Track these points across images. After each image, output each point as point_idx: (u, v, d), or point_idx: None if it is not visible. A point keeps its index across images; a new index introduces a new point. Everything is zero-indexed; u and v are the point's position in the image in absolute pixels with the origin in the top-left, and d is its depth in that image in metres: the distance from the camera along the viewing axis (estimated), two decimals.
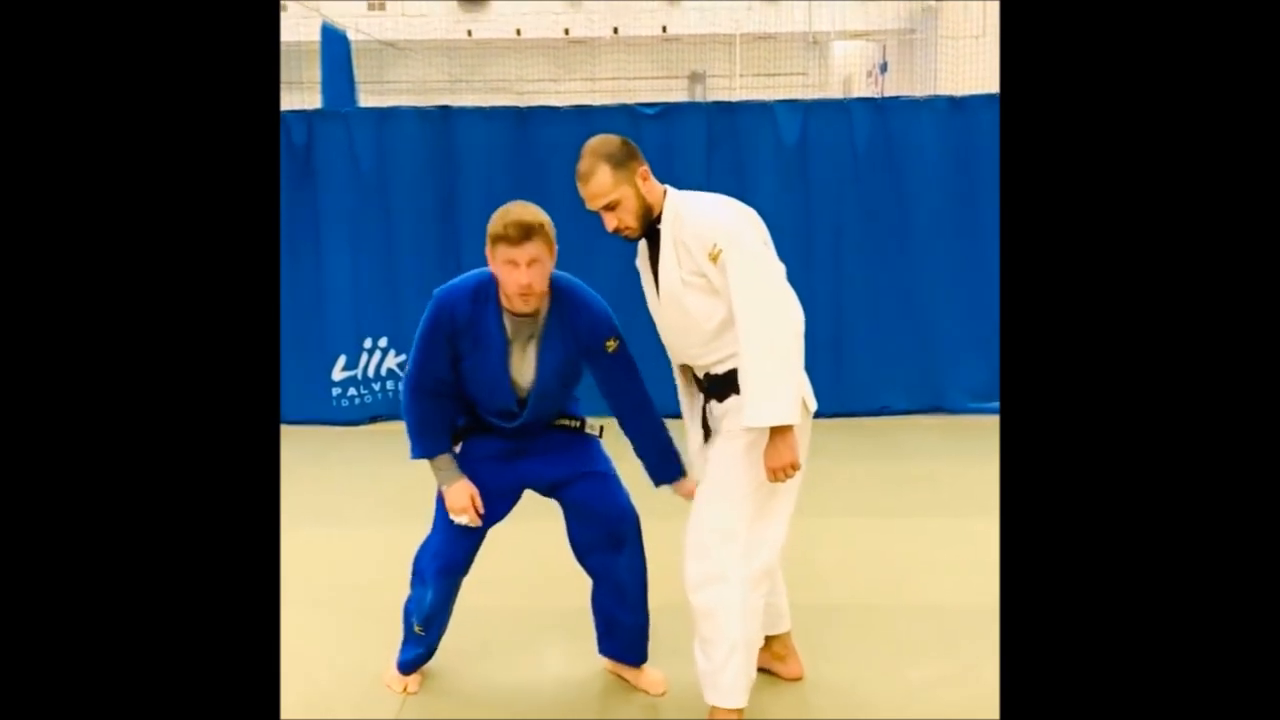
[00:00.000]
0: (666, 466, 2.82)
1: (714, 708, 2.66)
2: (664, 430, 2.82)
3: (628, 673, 3.00)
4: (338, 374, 6.02)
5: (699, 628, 2.63)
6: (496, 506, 2.81)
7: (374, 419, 6.08)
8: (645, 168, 2.56)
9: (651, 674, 2.96)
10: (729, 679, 2.59)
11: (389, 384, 6.08)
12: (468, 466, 2.78)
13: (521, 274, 2.52)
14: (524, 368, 2.69)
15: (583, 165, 2.54)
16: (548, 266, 2.58)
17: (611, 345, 2.71)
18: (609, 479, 2.84)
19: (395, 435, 5.73)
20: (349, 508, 4.68)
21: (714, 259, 2.46)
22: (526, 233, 2.50)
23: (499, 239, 2.52)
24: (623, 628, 2.94)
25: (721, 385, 2.61)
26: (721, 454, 2.60)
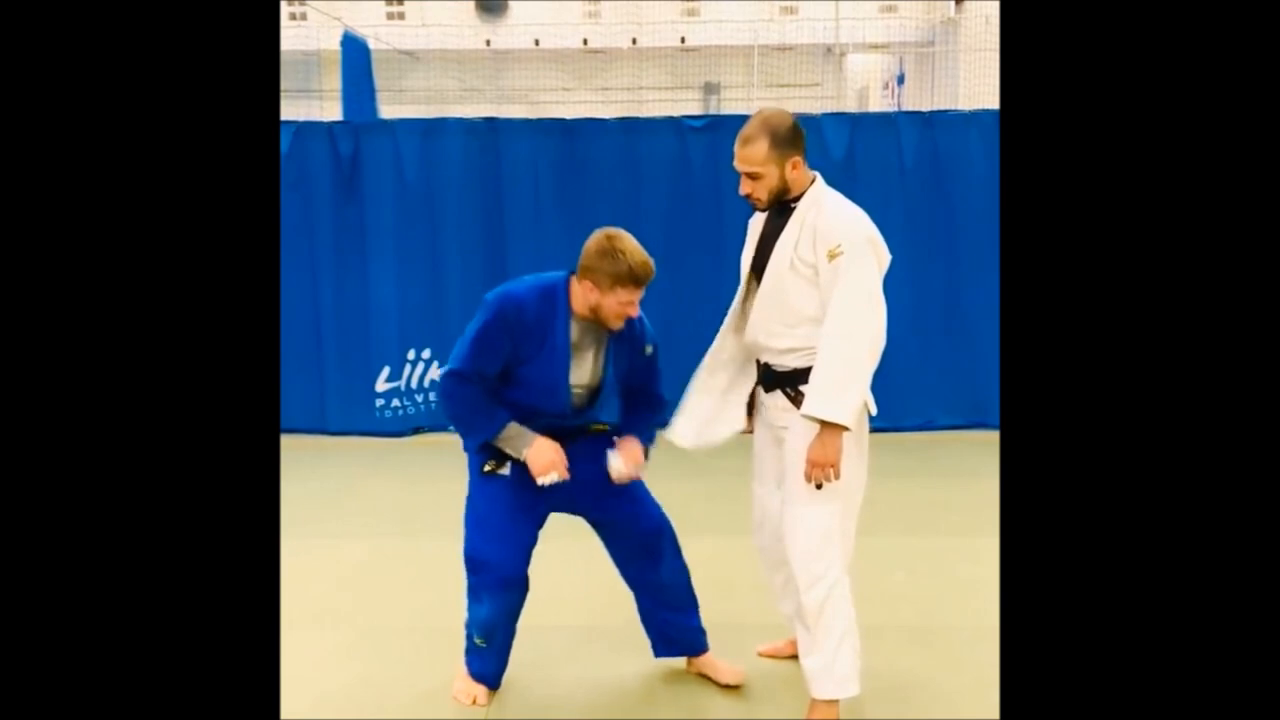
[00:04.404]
0: (635, 431, 2.89)
1: (814, 703, 2.76)
2: (656, 428, 2.96)
3: (705, 667, 3.07)
4: (381, 385, 5.99)
5: (807, 625, 2.72)
6: (539, 509, 2.83)
7: (417, 430, 6.06)
8: (799, 158, 2.67)
9: (729, 667, 3.06)
10: (842, 669, 2.70)
11: (432, 395, 6.06)
12: (513, 471, 2.81)
13: (632, 310, 2.71)
14: (584, 371, 2.78)
15: (749, 129, 2.66)
16: None
17: (649, 350, 2.89)
18: (638, 498, 2.92)
19: (438, 447, 5.83)
20: (391, 520, 4.66)
21: (830, 257, 2.59)
22: (647, 281, 2.68)
23: (625, 280, 2.63)
24: (674, 627, 3.03)
25: (780, 380, 2.75)
26: (802, 460, 2.69)
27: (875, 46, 15.59)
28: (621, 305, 2.66)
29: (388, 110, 7.72)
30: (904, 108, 14.40)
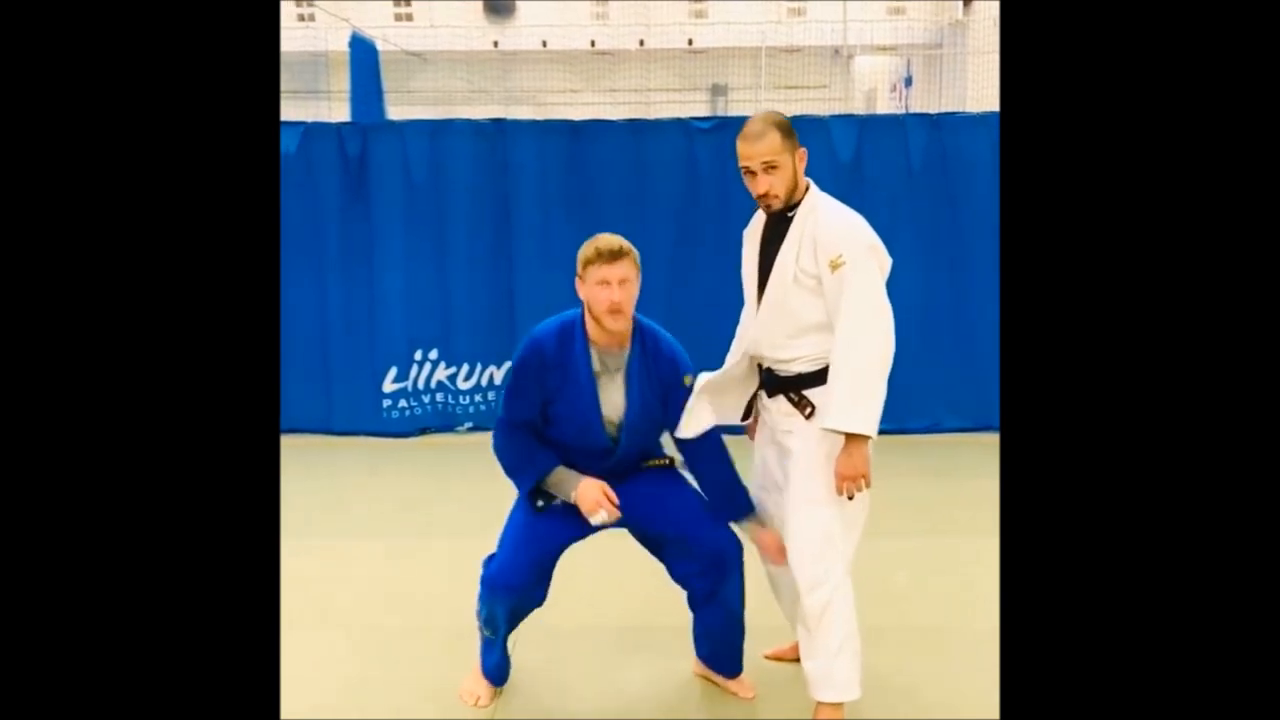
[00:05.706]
0: (733, 505, 2.88)
1: (820, 705, 2.75)
2: (732, 469, 2.88)
3: (719, 679, 3.07)
4: (388, 386, 6.00)
5: (809, 629, 2.71)
6: (571, 528, 2.81)
7: (423, 431, 6.06)
8: (803, 150, 2.68)
9: (743, 679, 3.04)
10: (843, 673, 2.70)
11: (439, 396, 6.06)
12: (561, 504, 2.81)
13: (613, 291, 2.65)
14: (613, 401, 2.78)
15: (754, 126, 2.64)
16: (635, 289, 2.71)
17: (689, 380, 2.82)
18: (703, 516, 2.88)
19: (444, 448, 5.84)
20: (396, 520, 4.66)
21: (834, 267, 2.58)
22: (617, 254, 2.66)
23: (590, 260, 2.67)
24: (725, 644, 3.01)
25: (784, 385, 2.74)
26: (806, 464, 2.69)
27: (883, 48, 15.59)
28: (597, 287, 2.65)
29: (395, 111, 7.76)
30: (911, 110, 14.40)
